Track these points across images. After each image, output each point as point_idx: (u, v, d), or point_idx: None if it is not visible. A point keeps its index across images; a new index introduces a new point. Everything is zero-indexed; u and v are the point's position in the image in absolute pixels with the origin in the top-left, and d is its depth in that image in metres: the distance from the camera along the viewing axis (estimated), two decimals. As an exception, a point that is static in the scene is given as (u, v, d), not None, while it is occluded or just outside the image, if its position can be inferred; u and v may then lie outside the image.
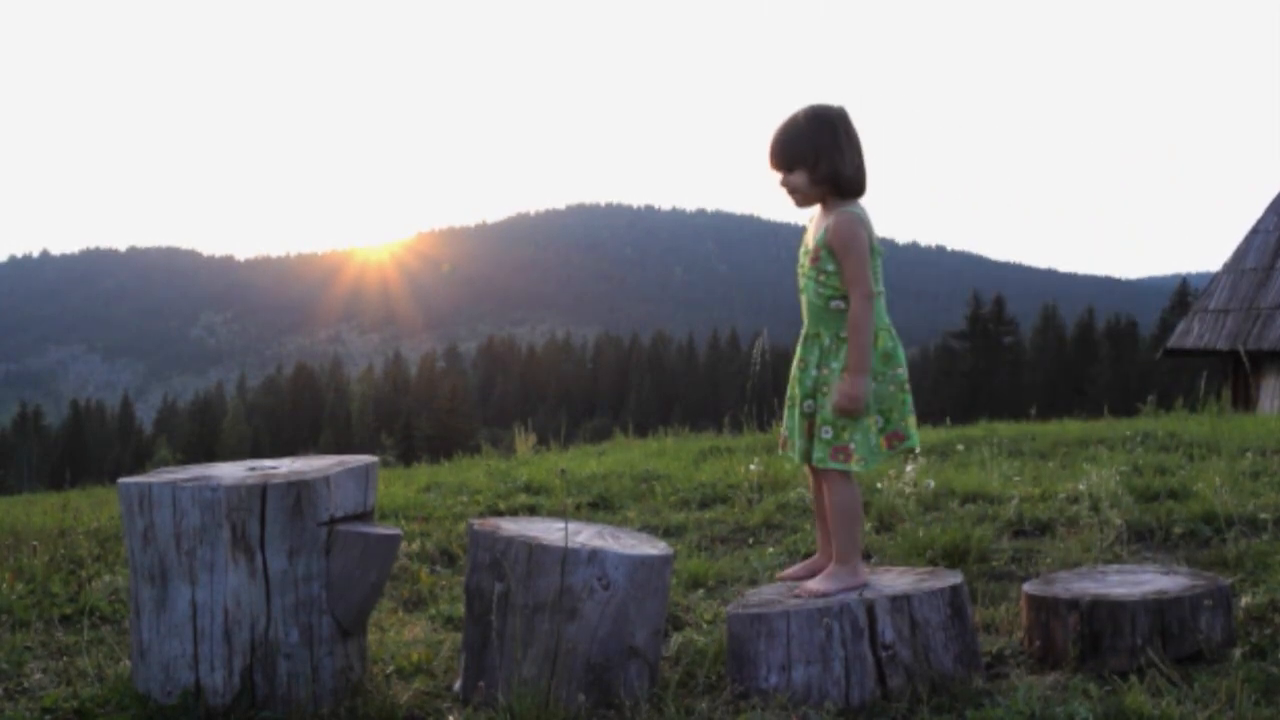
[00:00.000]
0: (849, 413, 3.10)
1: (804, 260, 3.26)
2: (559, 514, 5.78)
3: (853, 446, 3.14)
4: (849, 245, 3.11)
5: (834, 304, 3.18)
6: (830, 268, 3.16)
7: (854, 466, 3.13)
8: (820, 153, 3.12)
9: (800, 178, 3.16)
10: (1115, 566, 3.59)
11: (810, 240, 3.23)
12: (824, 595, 3.09)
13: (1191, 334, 17.84)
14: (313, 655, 2.97)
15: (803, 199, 3.22)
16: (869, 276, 3.11)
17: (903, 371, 3.21)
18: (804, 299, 3.27)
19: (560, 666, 2.90)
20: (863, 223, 3.15)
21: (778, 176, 3.22)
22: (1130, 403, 12.28)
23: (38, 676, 3.32)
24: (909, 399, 3.22)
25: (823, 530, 3.35)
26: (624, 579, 2.95)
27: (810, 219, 3.30)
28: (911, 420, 3.23)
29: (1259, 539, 4.36)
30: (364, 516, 3.17)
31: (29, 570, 4.58)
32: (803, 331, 3.30)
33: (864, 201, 3.21)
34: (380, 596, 3.36)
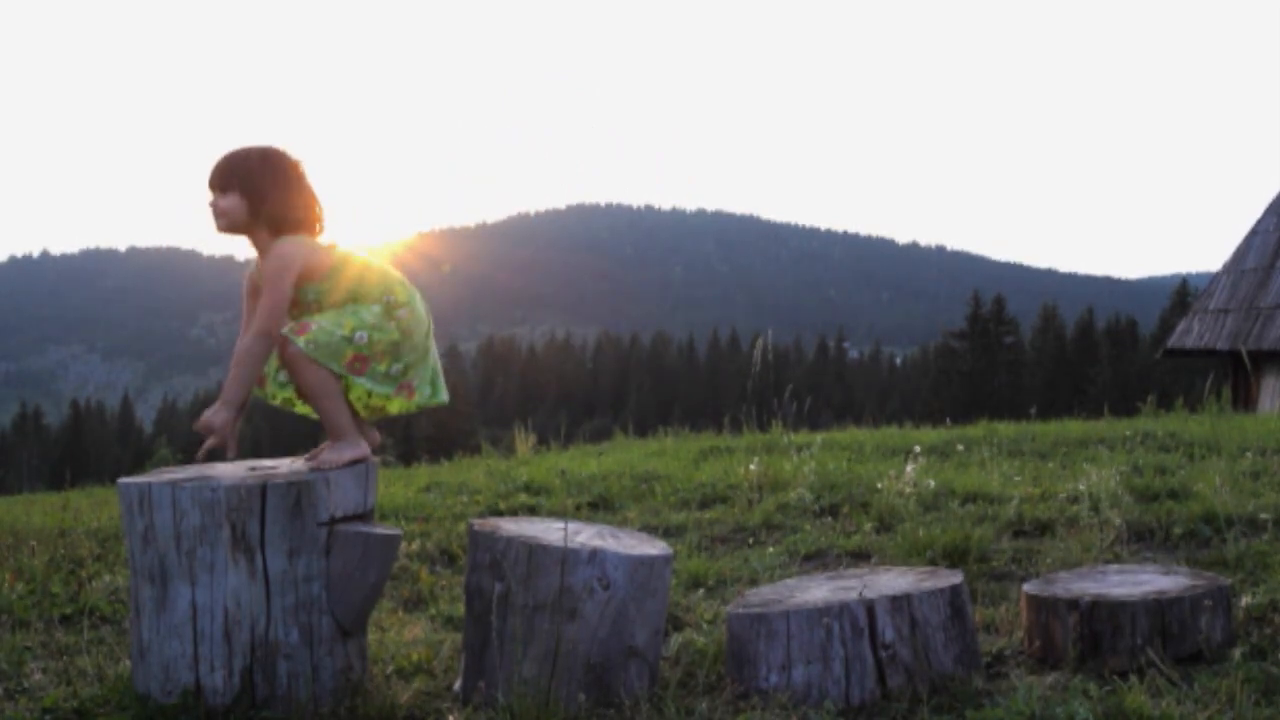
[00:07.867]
0: (202, 430, 2.97)
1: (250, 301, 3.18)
2: (559, 514, 5.78)
3: (312, 326, 3.03)
4: (270, 279, 3.00)
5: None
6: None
7: (300, 341, 3.00)
8: (266, 189, 3.03)
9: (236, 202, 3.05)
10: (1115, 566, 3.59)
11: (257, 277, 3.13)
12: (335, 466, 3.07)
13: (1191, 334, 17.84)
14: (313, 655, 2.97)
15: (228, 225, 3.09)
16: (276, 317, 2.99)
17: (388, 330, 3.08)
18: None
19: (560, 666, 2.90)
20: (297, 255, 3.03)
21: (209, 196, 3.09)
22: (1130, 403, 12.28)
23: (38, 676, 3.32)
24: (406, 362, 3.13)
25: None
26: (624, 579, 2.95)
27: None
28: (402, 369, 3.13)
29: (1259, 539, 4.35)
30: (364, 516, 3.17)
31: (29, 570, 4.58)
32: None
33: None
34: (380, 596, 3.36)
